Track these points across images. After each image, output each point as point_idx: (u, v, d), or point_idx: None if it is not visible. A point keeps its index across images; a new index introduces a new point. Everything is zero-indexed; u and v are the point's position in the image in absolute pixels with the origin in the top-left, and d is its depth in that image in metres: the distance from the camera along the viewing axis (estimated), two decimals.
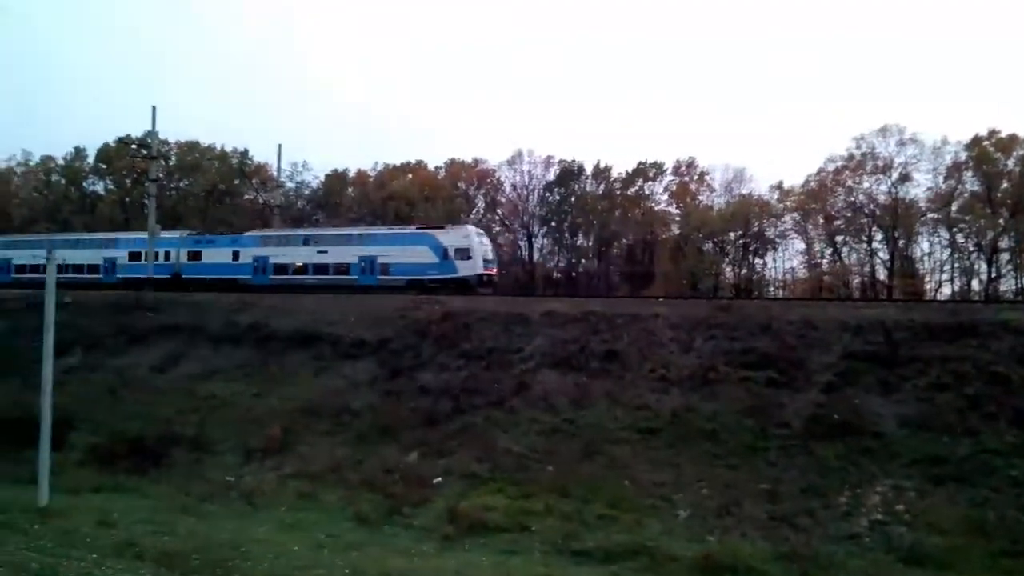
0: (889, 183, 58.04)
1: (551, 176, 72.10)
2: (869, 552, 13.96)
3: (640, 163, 70.82)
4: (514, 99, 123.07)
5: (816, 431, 17.53)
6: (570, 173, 71.54)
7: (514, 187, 72.60)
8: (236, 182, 71.57)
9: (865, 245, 60.31)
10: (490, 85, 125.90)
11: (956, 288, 57.89)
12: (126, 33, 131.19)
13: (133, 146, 51.94)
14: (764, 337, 21.27)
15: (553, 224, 71.75)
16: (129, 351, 28.16)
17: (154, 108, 37.13)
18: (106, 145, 69.84)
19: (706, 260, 65.25)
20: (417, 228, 39.82)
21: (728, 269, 66.99)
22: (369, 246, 38.10)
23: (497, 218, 73.57)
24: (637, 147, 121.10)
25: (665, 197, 71.60)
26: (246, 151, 73.05)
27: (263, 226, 48.61)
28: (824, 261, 63.65)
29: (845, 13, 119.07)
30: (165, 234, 43.06)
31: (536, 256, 72.16)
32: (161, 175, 46.57)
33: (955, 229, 58.29)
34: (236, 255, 39.98)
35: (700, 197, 70.85)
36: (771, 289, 65.39)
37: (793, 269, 66.83)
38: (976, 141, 57.12)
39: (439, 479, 18.21)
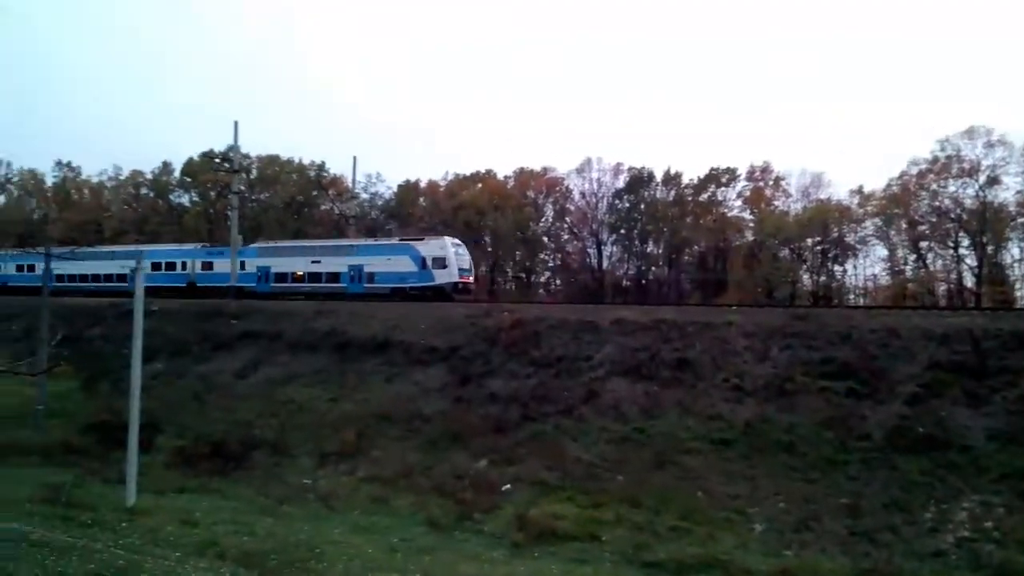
0: (976, 186, 55.24)
1: (620, 183, 71.59)
2: (955, 570, 13.36)
3: (712, 169, 69.58)
4: (583, 107, 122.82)
5: (899, 444, 16.86)
6: (640, 180, 70.89)
7: (583, 195, 72.40)
8: (314, 194, 73.74)
9: (951, 251, 57.50)
10: (559, 94, 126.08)
11: None
12: (213, 52, 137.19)
13: (216, 160, 54.26)
14: (844, 346, 20.59)
15: (622, 231, 71.18)
16: (212, 357, 29.27)
17: (236, 124, 38.88)
18: (191, 159, 73.19)
19: (782, 267, 63.46)
20: (400, 240, 41.65)
21: (806, 276, 64.98)
22: (357, 256, 40.11)
23: (566, 226, 73.50)
24: (708, 153, 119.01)
25: (738, 203, 70.03)
26: (323, 164, 75.30)
27: (339, 236, 49.92)
28: (907, 268, 61.02)
29: (930, 10, 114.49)
30: (182, 247, 47.31)
31: (605, 264, 71.71)
32: (243, 188, 48.22)
33: None
34: (242, 265, 41.74)
35: (775, 202, 69.03)
36: (851, 297, 63.04)
37: (875, 276, 64.26)
38: None
39: (508, 486, 18.29)
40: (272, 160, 74.80)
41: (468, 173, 76.24)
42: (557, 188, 73.64)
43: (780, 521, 15.63)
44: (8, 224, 73.73)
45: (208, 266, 44.90)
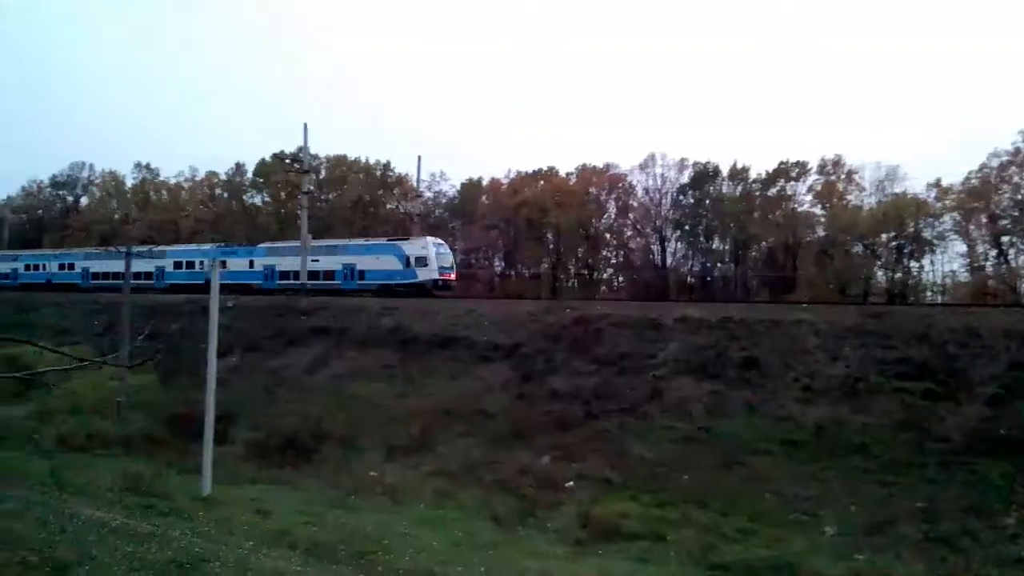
0: None
1: (685, 179, 70.46)
2: None
3: (781, 163, 67.71)
4: (646, 103, 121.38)
5: (979, 447, 16.20)
6: (705, 175, 69.62)
7: (646, 191, 71.54)
8: (379, 193, 75.01)
9: None
10: (622, 90, 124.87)
11: None
12: (281, 53, 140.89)
13: (287, 161, 55.80)
14: (921, 346, 19.87)
15: (687, 228, 70.05)
16: (284, 352, 30.11)
17: (305, 125, 39.80)
18: (263, 161, 75.34)
19: (855, 264, 61.41)
20: (387, 240, 43.66)
21: (880, 273, 62.73)
22: (350, 255, 42.50)
23: (629, 222, 72.81)
24: (777, 146, 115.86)
25: (809, 198, 67.99)
26: (388, 163, 76.54)
27: (404, 234, 50.81)
28: (988, 264, 58.22)
29: None
30: (200, 247, 50.32)
31: (669, 260, 70.74)
32: (312, 188, 49.54)
33: None
34: (251, 264, 45.16)
35: (848, 197, 66.80)
36: (928, 294, 60.57)
37: (953, 273, 61.56)
38: None
39: (571, 483, 18.29)
40: (340, 160, 76.38)
41: (530, 170, 76.28)
42: (620, 184, 72.96)
43: (852, 524, 15.21)
44: (92, 224, 77.34)
45: (223, 264, 45.86)
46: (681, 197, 70.68)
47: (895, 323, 21.53)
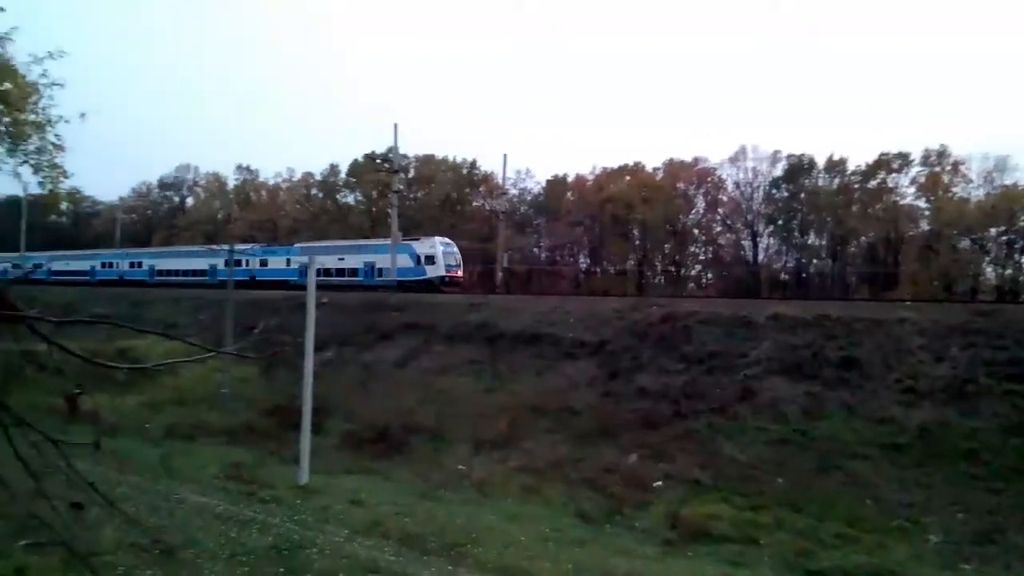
0: None
1: (778, 171, 68.31)
2: None
3: (882, 154, 64.70)
4: (736, 94, 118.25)
5: None
6: (799, 167, 67.25)
7: (737, 185, 69.76)
8: (466, 191, 76.03)
9: None
10: (711, 81, 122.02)
11: None
12: (371, 55, 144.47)
13: (377, 161, 57.35)
14: None
15: (780, 222, 67.89)
16: (376, 347, 30.90)
17: (396, 126, 40.94)
18: (356, 161, 77.63)
19: (962, 259, 58.10)
20: (402, 240, 45.50)
21: (989, 269, 59.17)
22: (370, 254, 45.95)
23: (718, 217, 71.17)
24: (877, 137, 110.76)
25: (912, 190, 64.76)
26: (474, 161, 77.54)
27: (489, 232, 51.53)
28: None
29: None
30: (244, 247, 53.04)
31: (761, 256, 68.75)
32: (401, 187, 50.78)
33: None
34: (288, 262, 48.53)
35: (954, 189, 63.25)
36: None
37: None
38: None
39: (659, 483, 18.04)
40: (428, 159, 77.83)
41: (616, 166, 75.60)
42: (709, 178, 71.43)
43: (958, 533, 14.44)
44: (196, 223, 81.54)
45: (264, 263, 51.35)
46: (774, 191, 68.56)
47: (1005, 322, 20.29)
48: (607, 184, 73.17)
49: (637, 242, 71.98)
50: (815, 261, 68.71)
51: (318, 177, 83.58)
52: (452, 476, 19.33)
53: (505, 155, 61.79)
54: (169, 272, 56.10)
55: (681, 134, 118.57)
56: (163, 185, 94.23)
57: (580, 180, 76.94)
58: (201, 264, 54.05)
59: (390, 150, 44.93)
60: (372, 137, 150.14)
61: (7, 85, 10.66)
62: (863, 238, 65.77)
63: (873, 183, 65.44)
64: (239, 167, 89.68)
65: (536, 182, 77.33)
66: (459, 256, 44.61)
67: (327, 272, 45.12)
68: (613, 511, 16.63)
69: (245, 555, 11.32)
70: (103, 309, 38.55)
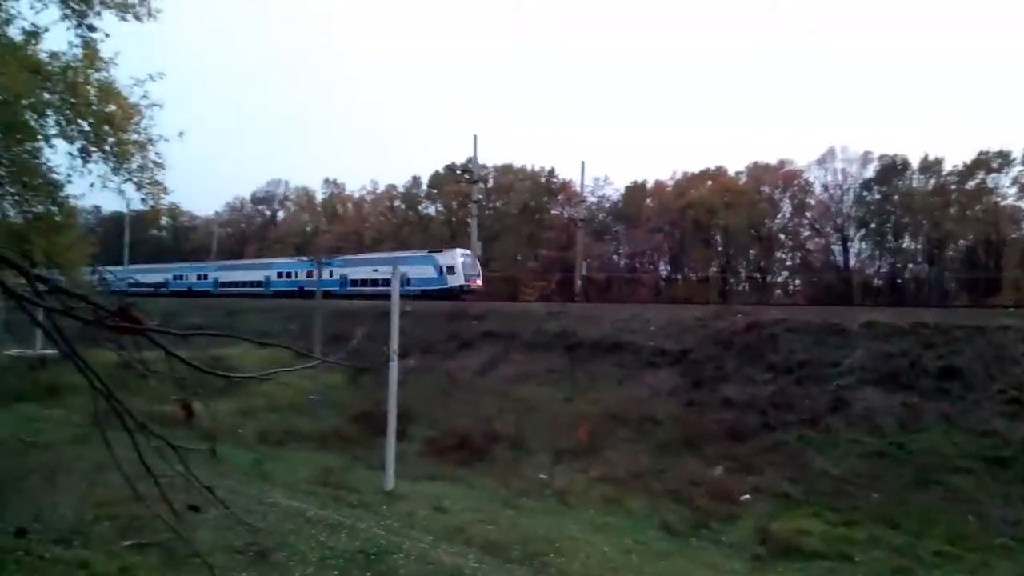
0: None
1: (869, 173, 65.53)
2: None
3: (980, 153, 61.19)
4: (823, 93, 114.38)
5: None
6: (892, 168, 64.33)
7: (825, 187, 67.25)
8: (545, 199, 76.19)
9: None
10: (796, 81, 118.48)
11: None
12: (452, 67, 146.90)
13: (457, 172, 58.28)
14: None
15: (872, 226, 65.09)
16: (457, 355, 31.29)
17: (475, 137, 41.59)
18: (437, 172, 79.02)
19: None
20: (427, 252, 49.84)
21: None
22: (399, 265, 44.56)
23: (806, 222, 68.84)
24: (975, 135, 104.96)
25: (1013, 190, 60.96)
26: (552, 170, 77.62)
27: (568, 240, 51.64)
28: None
29: None
30: (292, 260, 58.01)
31: (852, 262, 66.06)
32: (480, 197, 51.56)
33: None
34: (331, 273, 50.04)
35: None
36: None
37: None
38: None
39: (747, 496, 17.58)
40: (506, 169, 78.39)
41: (697, 171, 74.24)
42: (795, 181, 69.19)
43: None
44: (287, 236, 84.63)
45: (310, 274, 53.11)
46: (865, 193, 65.81)
47: None
48: (688, 189, 71.89)
49: (720, 248, 70.39)
50: (910, 266, 65.53)
51: (401, 189, 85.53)
52: (533, 484, 19.33)
53: (583, 162, 62.12)
54: (229, 283, 60.30)
55: (765, 136, 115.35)
56: (256, 199, 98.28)
57: (659, 186, 75.88)
58: (257, 276, 58.76)
59: (470, 161, 45.70)
60: (453, 148, 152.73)
61: (112, 107, 11.28)
62: (961, 241, 62.35)
63: (971, 183, 61.92)
64: (326, 181, 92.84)
65: (615, 189, 76.79)
66: (478, 266, 47.41)
67: (363, 282, 49.76)
68: (699, 524, 16.29)
69: (334, 559, 11.58)
70: (199, 319, 40.34)
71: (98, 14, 11.25)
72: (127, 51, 11.59)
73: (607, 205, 77.25)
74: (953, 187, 62.53)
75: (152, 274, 67.43)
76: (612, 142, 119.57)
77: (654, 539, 15.19)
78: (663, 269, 74.34)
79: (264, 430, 23.95)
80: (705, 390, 23.22)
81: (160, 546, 10.49)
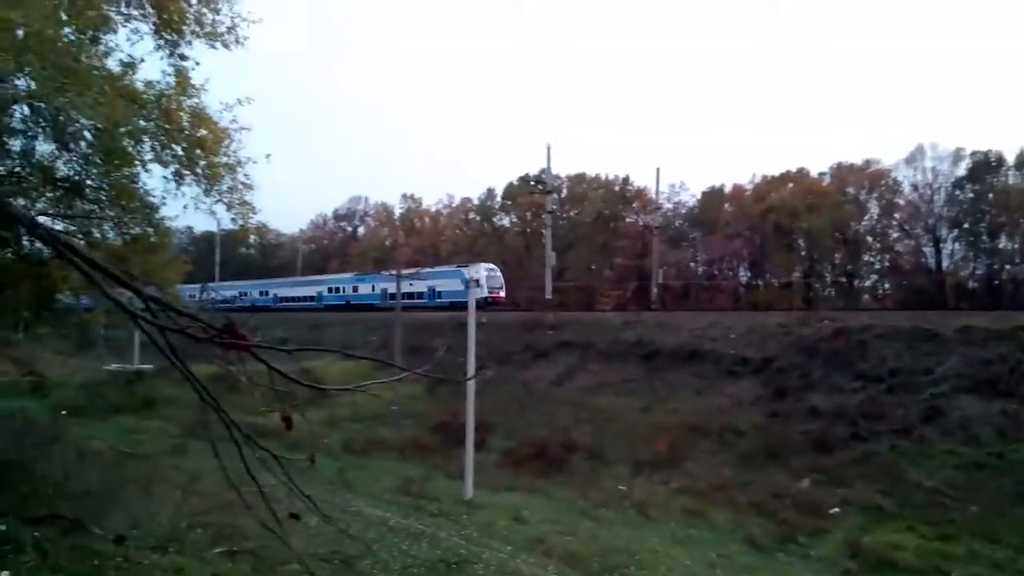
0: None
1: (961, 171, 62.36)
2: None
3: None
4: (911, 89, 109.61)
5: None
6: (986, 165, 60.94)
7: (915, 187, 64.27)
8: (619, 207, 75.67)
9: None
10: (882, 77, 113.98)
11: None
12: (526, 78, 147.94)
13: (531, 183, 58.61)
14: None
15: (966, 226, 61.85)
16: (533, 365, 31.41)
17: (548, 147, 41.59)
18: (510, 184, 79.59)
19: None
20: (455, 267, 53.42)
21: None
22: (432, 280, 51.80)
23: (894, 223, 66.01)
24: None
25: None
26: (627, 177, 77.00)
27: (643, 248, 51.13)
28: None
29: None
30: (341, 276, 63.19)
31: (945, 264, 62.91)
32: (555, 207, 51.80)
33: None
34: (373, 288, 55.77)
35: None
36: None
37: None
38: None
39: (836, 509, 17.00)
40: (580, 178, 78.27)
41: (777, 173, 72.23)
42: (882, 181, 66.43)
43: None
44: (368, 251, 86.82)
45: (355, 289, 58.96)
46: (958, 192, 62.64)
47: None
48: (767, 193, 69.96)
49: (803, 253, 68.22)
50: (1007, 267, 61.94)
51: (476, 202, 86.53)
52: (612, 496, 19.20)
53: (658, 169, 60.78)
54: (287, 299, 64.10)
55: (848, 136, 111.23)
56: (337, 216, 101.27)
57: (738, 190, 74.14)
58: (310, 292, 63.17)
59: (543, 171, 45.84)
60: (527, 159, 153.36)
61: (203, 132, 11.83)
62: None
63: None
64: (404, 196, 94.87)
65: (691, 195, 75.38)
66: (502, 280, 51.05)
67: (403, 296, 51.24)
68: (785, 538, 15.85)
69: (416, 567, 11.81)
70: (284, 332, 41.73)
71: (189, 43, 11.93)
72: (216, 77, 12.23)
73: (683, 211, 76.01)
74: None
75: (220, 292, 71.11)
76: (688, 148, 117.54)
77: (738, 553, 14.85)
78: (743, 275, 72.59)
79: (348, 440, 24.58)
80: (790, 400, 22.60)
81: (250, 553, 10.96)
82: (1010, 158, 60.61)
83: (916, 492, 16.76)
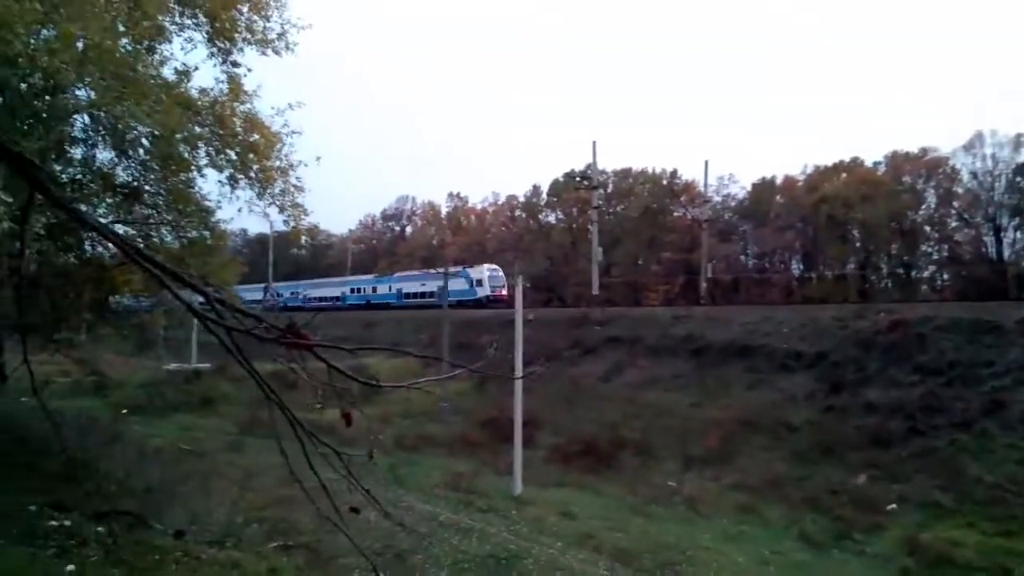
0: None
1: (1022, 157, 60.04)
2: None
3: None
4: (968, 74, 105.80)
5: None
6: None
7: (974, 175, 62.09)
8: (667, 201, 74.89)
9: None
10: (938, 64, 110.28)
11: None
12: (567, 73, 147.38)
13: (577, 179, 58.44)
14: None
15: None
16: (580, 361, 31.35)
17: (594, 143, 41.53)
18: (556, 180, 79.44)
19: None
20: (462, 268, 55.52)
21: None
22: (439, 280, 55.02)
23: (953, 212, 63.90)
24: None
25: None
26: (675, 171, 76.14)
27: (691, 242, 50.58)
28: None
29: None
30: (362, 278, 67.71)
31: (1007, 253, 60.65)
32: (601, 203, 51.60)
33: None
34: (390, 288, 60.61)
35: None
36: None
37: None
38: None
39: (894, 506, 16.63)
40: (626, 173, 77.71)
41: (830, 164, 70.55)
42: (940, 170, 64.39)
43: None
44: (415, 250, 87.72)
45: (375, 289, 63.30)
46: (1019, 178, 60.36)
47: None
48: (820, 183, 68.35)
49: (858, 244, 66.55)
50: None
51: (521, 199, 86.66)
52: (662, 492, 19.10)
53: (706, 161, 60.25)
54: (316, 298, 67.52)
55: (903, 125, 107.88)
56: (385, 216, 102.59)
57: (789, 181, 72.61)
58: (336, 292, 67.11)
59: (589, 167, 45.71)
60: (572, 155, 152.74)
61: (256, 136, 12.13)
62: None
63: None
64: (450, 195, 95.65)
65: (740, 187, 74.18)
66: (503, 279, 53.25)
67: (412, 295, 57.99)
68: (840, 534, 15.59)
69: (467, 562, 11.96)
70: (341, 332, 42.47)
71: (241, 51, 12.28)
72: (266, 81, 12.54)
73: (732, 204, 74.85)
74: None
75: (255, 292, 73.02)
76: (737, 140, 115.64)
77: (792, 550, 14.65)
78: (795, 268, 71.16)
79: (399, 436, 24.93)
80: (845, 394, 22.14)
81: (304, 547, 11.25)
82: None
83: (976, 487, 16.28)
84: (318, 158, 12.90)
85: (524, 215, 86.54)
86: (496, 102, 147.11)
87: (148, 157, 11.21)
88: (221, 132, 11.73)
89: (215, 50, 12.16)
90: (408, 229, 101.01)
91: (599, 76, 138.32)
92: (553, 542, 13.75)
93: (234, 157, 11.99)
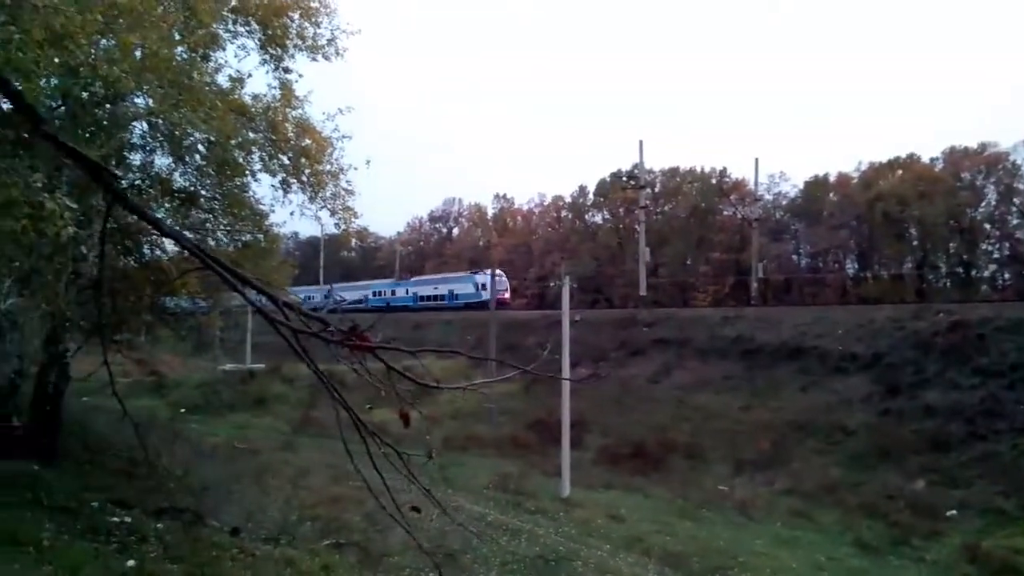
0: None
1: None
2: None
3: None
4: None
5: None
6: None
7: None
8: (716, 200, 73.87)
9: None
10: (999, 53, 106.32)
11: None
12: (615, 73, 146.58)
13: (623, 179, 58.08)
14: None
15: None
16: (628, 363, 31.15)
17: (641, 143, 41.16)
18: (603, 180, 79.06)
19: None
20: (469, 273, 59.54)
21: None
22: (452, 284, 59.74)
23: (1015, 209, 61.65)
24: None
25: None
26: (724, 169, 75.03)
27: (741, 242, 49.81)
28: None
29: None
30: (382, 281, 70.92)
31: None
32: (648, 202, 51.04)
33: None
34: (407, 291, 63.77)
35: None
36: None
37: None
38: None
39: (953, 512, 16.16)
40: (673, 172, 76.91)
41: (884, 160, 68.69)
42: (1000, 166, 62.20)
43: None
44: (462, 251, 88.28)
45: (393, 292, 66.39)
46: None
47: None
48: (875, 180, 66.62)
49: (915, 242, 64.68)
50: None
51: (568, 199, 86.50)
52: (712, 495, 18.88)
53: (756, 159, 59.30)
54: (348, 300, 70.20)
55: (961, 120, 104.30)
56: (433, 218, 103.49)
57: (843, 179, 70.88)
58: (359, 295, 68.75)
59: (635, 167, 45.35)
60: (619, 155, 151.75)
61: (307, 141, 12.37)
62: None
63: None
64: (496, 196, 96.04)
65: (792, 185, 72.70)
66: (507, 283, 56.31)
67: (426, 298, 61.48)
68: (898, 540, 15.22)
69: (515, 563, 12.00)
70: (392, 332, 43.09)
71: (292, 57, 12.53)
72: (318, 88, 12.78)
73: (784, 202, 73.38)
74: None
75: (303, 294, 74.93)
76: (787, 138, 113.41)
77: (847, 556, 14.35)
78: (850, 267, 69.46)
79: (448, 436, 25.12)
80: (903, 397, 21.59)
81: (356, 545, 11.43)
82: None
83: None
84: (368, 161, 13.07)
85: (570, 216, 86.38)
86: (542, 102, 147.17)
87: (204, 162, 11.50)
88: (274, 137, 11.97)
89: (267, 57, 12.42)
90: (455, 231, 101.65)
91: (646, 75, 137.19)
92: (602, 544, 13.71)
93: (286, 162, 12.23)
